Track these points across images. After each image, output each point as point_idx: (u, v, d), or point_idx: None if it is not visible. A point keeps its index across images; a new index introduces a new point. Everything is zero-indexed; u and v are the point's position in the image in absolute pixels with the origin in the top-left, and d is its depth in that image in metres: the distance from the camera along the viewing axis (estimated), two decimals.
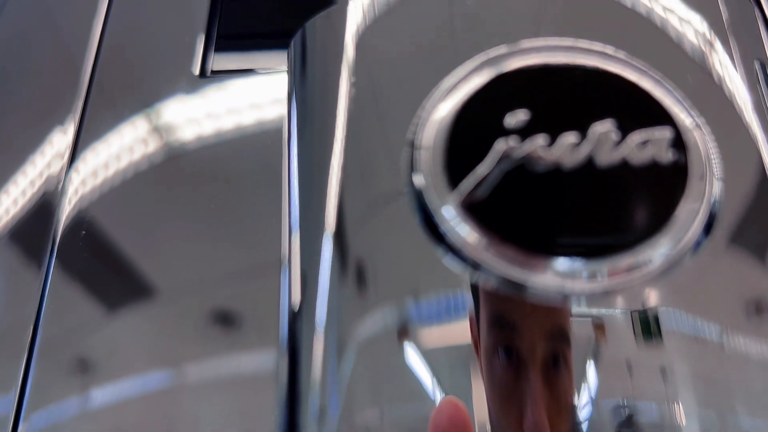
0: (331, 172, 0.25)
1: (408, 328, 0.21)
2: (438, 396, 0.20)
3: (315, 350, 0.23)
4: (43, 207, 0.35)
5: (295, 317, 0.24)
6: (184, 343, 0.30)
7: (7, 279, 0.34)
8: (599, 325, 0.21)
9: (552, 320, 0.21)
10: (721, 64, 0.25)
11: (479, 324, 0.21)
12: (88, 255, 0.33)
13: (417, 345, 0.21)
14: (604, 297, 0.21)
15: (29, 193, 0.36)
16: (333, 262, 0.23)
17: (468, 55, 0.24)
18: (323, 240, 0.24)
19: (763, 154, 0.24)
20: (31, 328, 0.31)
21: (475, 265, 0.21)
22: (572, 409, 0.20)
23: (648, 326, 0.21)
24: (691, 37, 0.26)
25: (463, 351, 0.21)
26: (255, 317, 0.30)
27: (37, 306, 0.32)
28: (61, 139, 0.36)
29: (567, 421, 0.20)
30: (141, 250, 0.33)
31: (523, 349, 0.20)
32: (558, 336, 0.20)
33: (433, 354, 0.21)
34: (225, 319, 0.31)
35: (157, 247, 0.33)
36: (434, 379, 0.21)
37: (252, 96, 0.33)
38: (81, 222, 0.33)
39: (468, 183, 0.22)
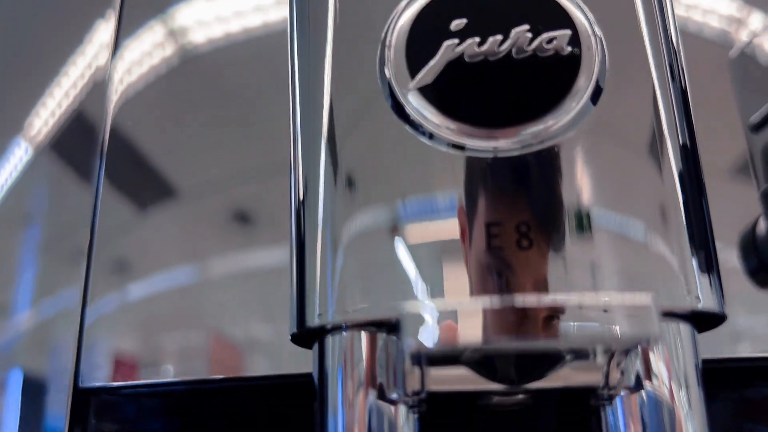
0: (324, 71, 0.33)
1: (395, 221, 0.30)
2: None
3: (316, 245, 0.30)
4: (94, 97, 0.41)
5: (299, 215, 0.32)
6: (208, 239, 0.37)
7: (61, 176, 0.40)
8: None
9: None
10: None
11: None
12: (131, 156, 0.40)
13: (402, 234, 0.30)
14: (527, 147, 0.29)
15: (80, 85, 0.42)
16: (326, 158, 0.31)
17: None
18: (321, 141, 0.32)
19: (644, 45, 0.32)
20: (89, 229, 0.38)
21: (430, 136, 0.30)
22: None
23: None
24: None
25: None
26: (270, 215, 0.38)
27: (92, 207, 0.38)
28: (105, 30, 0.42)
29: None
30: (169, 152, 0.39)
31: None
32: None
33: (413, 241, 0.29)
34: (243, 217, 0.38)
35: (182, 148, 0.40)
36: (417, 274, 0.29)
37: None
38: (129, 112, 0.40)
39: (423, 73, 0.30)
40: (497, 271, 0.27)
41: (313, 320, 0.30)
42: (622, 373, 0.27)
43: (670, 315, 0.29)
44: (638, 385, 0.28)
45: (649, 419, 0.28)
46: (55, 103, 0.42)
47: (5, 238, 0.40)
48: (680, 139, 0.31)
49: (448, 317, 0.24)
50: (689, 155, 0.31)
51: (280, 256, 0.36)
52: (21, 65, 0.44)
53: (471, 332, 0.24)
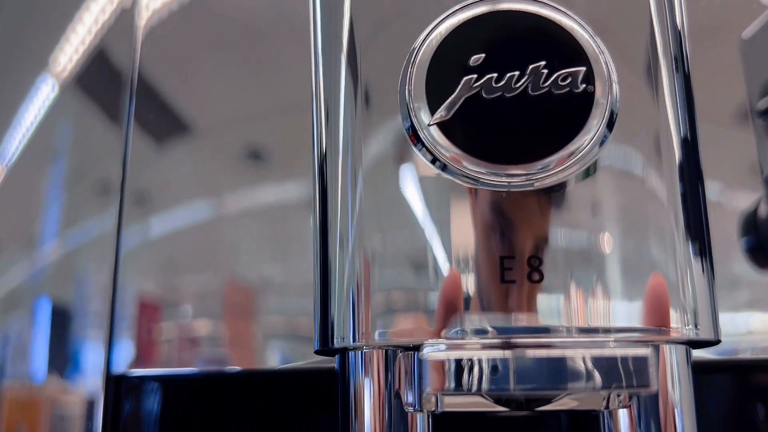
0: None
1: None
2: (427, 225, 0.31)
3: (339, 268, 0.32)
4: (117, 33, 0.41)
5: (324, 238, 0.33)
6: (225, 176, 0.39)
7: (86, 111, 0.41)
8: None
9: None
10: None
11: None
12: (156, 94, 0.40)
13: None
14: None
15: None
16: (344, 175, 0.33)
17: None
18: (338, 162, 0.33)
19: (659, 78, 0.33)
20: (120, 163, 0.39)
21: (443, 167, 0.31)
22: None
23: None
24: None
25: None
26: (286, 152, 0.39)
27: (123, 143, 0.39)
28: None
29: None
30: (189, 90, 0.40)
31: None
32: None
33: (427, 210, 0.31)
34: (257, 155, 0.39)
35: (201, 87, 0.40)
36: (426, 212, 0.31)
37: None
38: (155, 50, 0.40)
39: (442, 108, 0.31)
40: (511, 310, 0.29)
41: (336, 342, 0.32)
42: (620, 401, 0.30)
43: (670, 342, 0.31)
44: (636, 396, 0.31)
45: (644, 424, 0.31)
46: (79, 39, 0.43)
47: (33, 172, 0.41)
48: (688, 180, 0.32)
49: (467, 364, 0.26)
50: (697, 196, 0.32)
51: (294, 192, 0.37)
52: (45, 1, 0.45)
53: (488, 381, 0.26)
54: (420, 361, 0.28)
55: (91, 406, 0.37)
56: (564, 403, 0.30)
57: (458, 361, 0.26)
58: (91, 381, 0.37)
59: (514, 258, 0.30)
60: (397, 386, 0.31)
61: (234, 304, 0.38)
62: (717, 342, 0.32)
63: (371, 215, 0.32)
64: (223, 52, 0.41)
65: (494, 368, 0.26)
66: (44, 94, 0.42)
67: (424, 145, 0.31)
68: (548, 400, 0.30)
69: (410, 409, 0.31)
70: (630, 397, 0.31)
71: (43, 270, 0.39)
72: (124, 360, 0.38)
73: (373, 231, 0.32)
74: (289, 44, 0.40)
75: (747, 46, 0.43)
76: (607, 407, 0.30)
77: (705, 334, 0.31)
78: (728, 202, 0.38)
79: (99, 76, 0.41)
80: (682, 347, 0.31)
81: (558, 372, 0.26)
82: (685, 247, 0.31)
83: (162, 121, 0.40)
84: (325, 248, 0.33)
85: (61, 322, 0.38)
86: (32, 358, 0.38)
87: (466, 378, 0.26)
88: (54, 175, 0.41)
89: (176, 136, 0.40)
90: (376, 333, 0.31)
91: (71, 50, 0.42)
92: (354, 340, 0.32)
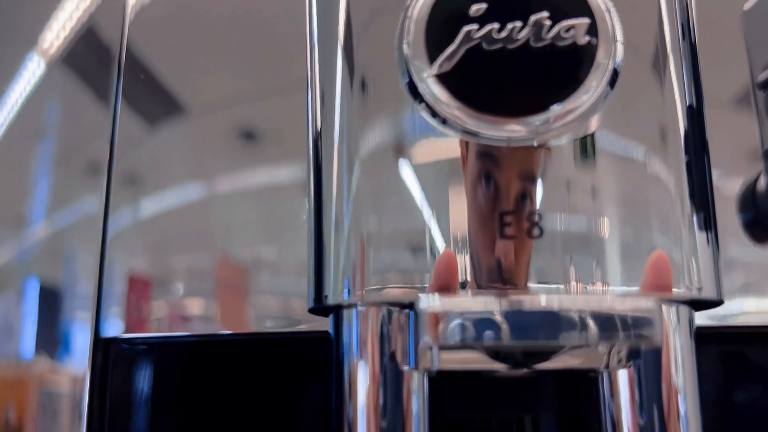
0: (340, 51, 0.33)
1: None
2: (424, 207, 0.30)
3: (333, 225, 0.31)
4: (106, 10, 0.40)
5: (318, 195, 0.32)
6: (217, 157, 0.38)
7: (74, 90, 0.40)
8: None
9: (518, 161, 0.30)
10: None
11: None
12: (145, 72, 0.39)
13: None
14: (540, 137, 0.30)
15: None
16: (341, 132, 0.32)
17: None
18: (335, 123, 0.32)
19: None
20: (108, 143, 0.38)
21: (443, 122, 0.31)
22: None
23: (584, 146, 0.30)
24: None
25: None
26: (279, 133, 0.38)
27: (111, 122, 0.38)
28: None
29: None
30: (180, 70, 0.39)
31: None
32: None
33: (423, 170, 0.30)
34: (250, 135, 0.39)
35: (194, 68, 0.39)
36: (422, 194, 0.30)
37: None
38: (144, 28, 0.39)
39: (441, 58, 0.30)
40: (508, 265, 0.29)
41: (330, 299, 0.31)
42: (620, 360, 0.29)
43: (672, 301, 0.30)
44: (635, 356, 0.30)
45: (645, 386, 0.30)
46: (68, 16, 0.42)
47: (20, 152, 0.41)
48: (691, 133, 0.32)
49: (463, 316, 0.26)
50: (699, 150, 0.32)
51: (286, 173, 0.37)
52: None
53: (484, 332, 0.25)
54: (416, 314, 0.28)
55: (79, 383, 0.36)
56: (562, 361, 0.29)
57: (455, 314, 0.26)
58: (80, 360, 0.36)
59: (514, 214, 0.30)
60: (392, 346, 0.31)
61: (226, 283, 0.37)
62: (720, 302, 0.31)
63: (368, 169, 0.31)
64: (214, 30, 0.40)
65: (490, 321, 0.25)
66: (31, 72, 0.41)
67: (423, 99, 0.31)
68: (546, 358, 0.29)
69: (406, 367, 0.30)
70: (629, 358, 0.30)
71: (31, 250, 0.39)
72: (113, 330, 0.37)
73: (369, 185, 0.31)
74: (281, 23, 0.40)
75: (748, 18, 0.42)
76: (607, 366, 0.30)
77: (708, 293, 0.30)
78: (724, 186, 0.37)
79: (88, 54, 0.40)
80: (685, 308, 0.31)
81: (556, 324, 0.25)
82: (688, 206, 0.31)
83: (152, 100, 0.39)
84: (319, 201, 0.32)
85: (50, 302, 0.37)
86: (20, 338, 0.38)
87: (463, 330, 0.25)
88: (42, 154, 0.40)
89: (167, 115, 0.39)
90: (371, 289, 0.30)
91: (59, 27, 0.42)
92: (348, 297, 0.31)
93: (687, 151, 0.31)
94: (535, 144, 0.30)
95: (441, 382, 0.32)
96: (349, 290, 0.31)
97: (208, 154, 0.38)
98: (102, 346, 0.37)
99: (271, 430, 0.38)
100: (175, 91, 0.39)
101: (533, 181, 0.30)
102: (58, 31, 0.42)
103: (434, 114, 0.31)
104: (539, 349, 0.28)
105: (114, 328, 0.37)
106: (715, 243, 0.31)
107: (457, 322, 0.25)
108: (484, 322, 0.25)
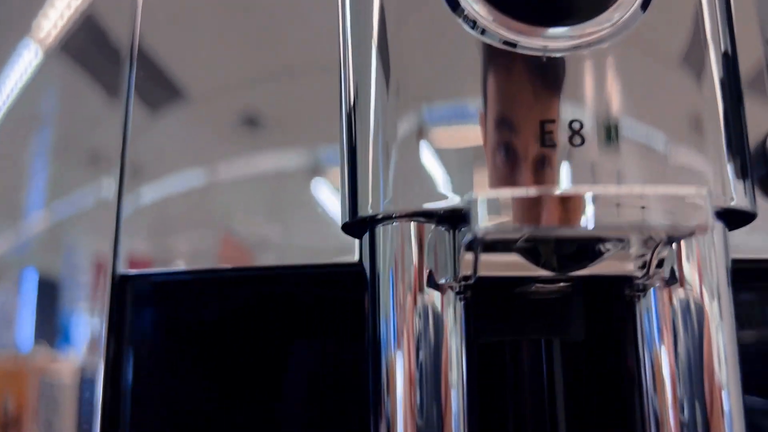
0: None
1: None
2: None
3: (368, 138, 0.31)
4: None
5: (351, 109, 0.32)
6: (220, 143, 0.37)
7: (72, 78, 0.39)
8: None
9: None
10: None
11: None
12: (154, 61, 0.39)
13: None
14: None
15: None
16: (377, 53, 0.32)
17: None
18: (371, 39, 0.32)
19: None
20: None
21: (482, 32, 0.31)
22: None
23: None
24: None
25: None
26: (285, 118, 0.38)
27: (124, 110, 0.37)
28: None
29: None
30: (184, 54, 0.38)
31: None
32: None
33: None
34: (253, 121, 0.37)
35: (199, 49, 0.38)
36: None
37: None
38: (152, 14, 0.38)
39: None
40: (550, 165, 0.29)
41: (366, 210, 0.31)
42: (661, 264, 0.29)
43: None
44: (672, 279, 0.30)
45: (679, 309, 0.30)
46: (66, 2, 0.41)
47: (16, 141, 0.40)
48: (722, 46, 0.32)
49: (515, 203, 0.26)
50: (730, 63, 0.32)
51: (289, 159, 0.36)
52: None
53: (539, 217, 0.25)
54: (463, 210, 0.27)
55: (83, 373, 0.35)
56: (602, 266, 0.29)
57: (510, 199, 0.25)
58: (82, 349, 0.35)
59: (555, 122, 0.30)
60: (429, 261, 0.31)
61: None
62: (753, 216, 0.31)
63: (408, 74, 0.31)
64: (218, 14, 0.40)
65: (543, 202, 0.25)
66: (26, 60, 0.40)
67: (463, 11, 0.31)
68: (585, 263, 0.29)
69: (443, 280, 0.30)
70: (669, 273, 0.30)
71: (29, 241, 0.38)
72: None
73: (409, 92, 0.31)
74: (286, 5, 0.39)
75: None
76: (646, 274, 0.30)
77: (741, 203, 0.30)
78: None
79: (87, 42, 0.39)
80: (719, 226, 0.31)
81: (609, 210, 0.25)
82: (720, 117, 0.31)
83: (156, 86, 0.38)
84: (351, 120, 0.32)
85: (49, 293, 0.36)
86: (19, 329, 0.37)
87: (514, 214, 0.25)
88: (39, 144, 0.39)
89: (170, 101, 0.38)
90: (408, 197, 0.30)
91: (56, 15, 0.40)
92: (384, 208, 0.31)
93: (719, 64, 0.32)
94: (571, 54, 0.30)
95: (471, 308, 0.32)
96: (386, 201, 0.31)
97: (211, 139, 0.37)
98: (118, 284, 0.36)
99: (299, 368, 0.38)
100: (180, 77, 0.38)
101: (571, 90, 0.30)
102: (56, 19, 0.40)
103: (474, 25, 0.31)
104: (593, 237, 0.28)
105: (130, 264, 0.36)
106: (748, 154, 0.31)
107: (510, 206, 0.25)
108: (540, 207, 0.25)
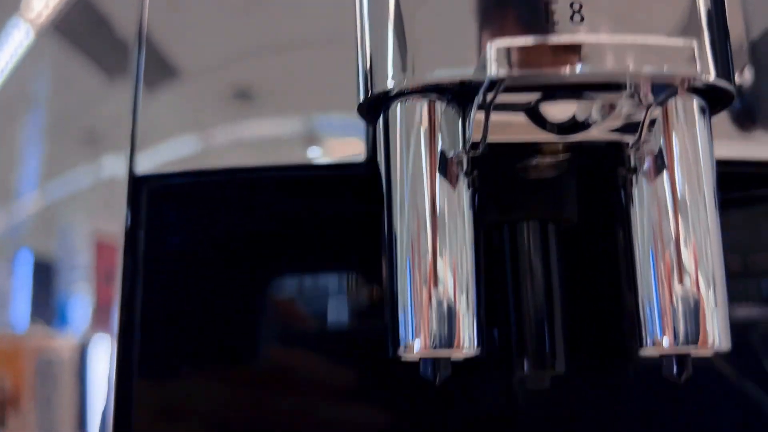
0: None
1: None
2: None
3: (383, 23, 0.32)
4: None
5: None
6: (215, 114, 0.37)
7: (66, 59, 0.39)
8: None
9: None
10: None
11: None
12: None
13: None
14: None
15: None
16: None
17: None
18: None
19: None
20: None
21: None
22: None
23: None
24: None
25: None
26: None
27: (133, 89, 0.38)
28: None
29: None
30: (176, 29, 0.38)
31: None
32: None
33: None
34: (245, 94, 0.38)
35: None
36: None
37: None
38: None
39: None
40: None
41: (383, 86, 0.33)
42: (652, 125, 0.32)
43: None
44: (660, 159, 0.33)
45: (668, 188, 0.33)
46: None
47: (8, 121, 0.40)
48: None
49: (525, 50, 0.28)
50: None
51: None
52: None
53: (549, 62, 0.28)
54: (487, 53, 0.29)
55: (80, 351, 0.36)
56: (595, 135, 0.32)
57: (520, 47, 0.28)
58: (77, 326, 0.36)
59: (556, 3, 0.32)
60: (443, 138, 0.33)
61: None
62: (731, 98, 0.34)
63: None
64: None
65: (550, 49, 0.28)
66: (17, 41, 0.41)
67: None
68: (584, 127, 0.32)
69: (452, 152, 0.33)
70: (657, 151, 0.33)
71: (23, 221, 0.38)
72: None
73: None
74: None
75: None
76: (638, 138, 0.32)
77: (721, 82, 0.33)
78: None
79: (80, 23, 0.40)
80: (701, 103, 0.34)
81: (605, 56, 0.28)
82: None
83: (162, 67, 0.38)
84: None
85: (45, 274, 0.37)
86: (14, 309, 0.37)
87: (523, 60, 0.28)
88: (32, 124, 0.39)
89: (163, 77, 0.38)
90: (421, 69, 0.32)
91: None
92: (397, 82, 0.33)
93: None
94: None
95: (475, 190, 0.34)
96: (397, 73, 0.33)
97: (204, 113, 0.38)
98: (136, 185, 0.37)
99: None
100: (173, 52, 0.38)
101: None
102: None
103: None
104: (597, 81, 0.31)
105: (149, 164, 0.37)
106: (728, 37, 0.34)
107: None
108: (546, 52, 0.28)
